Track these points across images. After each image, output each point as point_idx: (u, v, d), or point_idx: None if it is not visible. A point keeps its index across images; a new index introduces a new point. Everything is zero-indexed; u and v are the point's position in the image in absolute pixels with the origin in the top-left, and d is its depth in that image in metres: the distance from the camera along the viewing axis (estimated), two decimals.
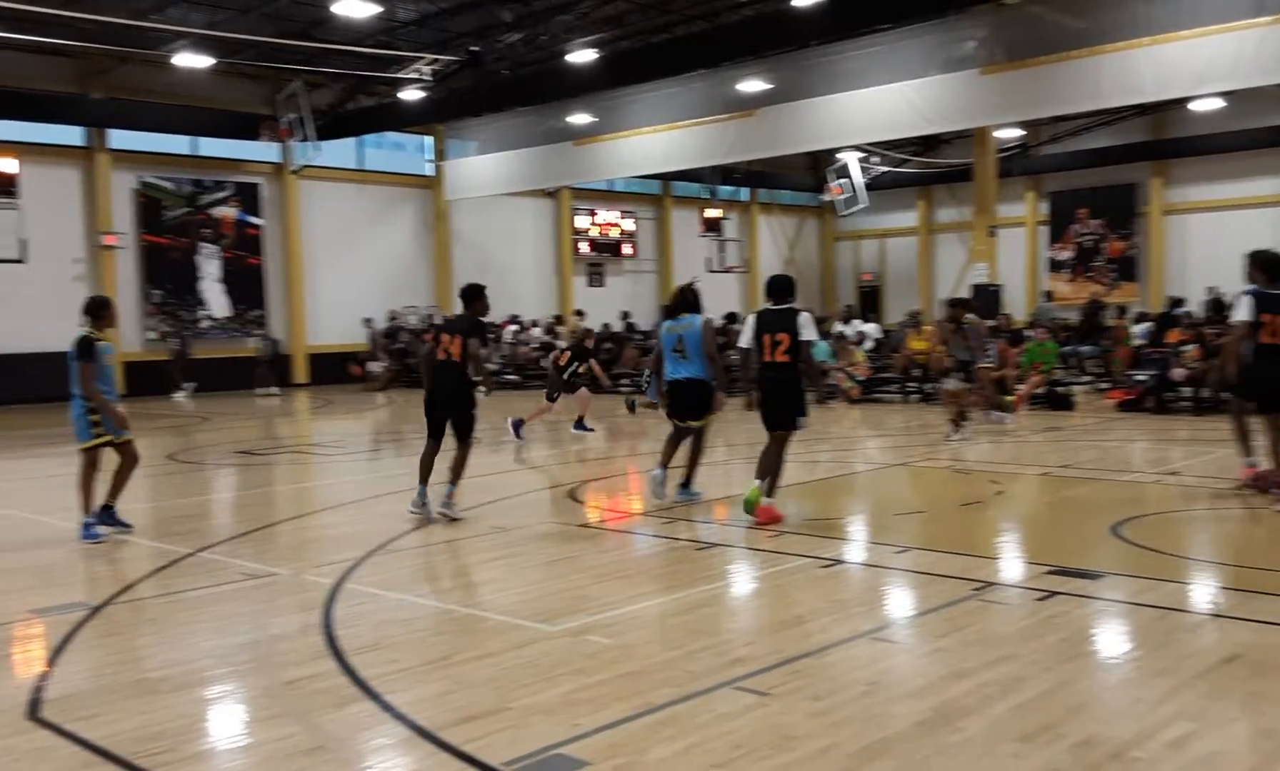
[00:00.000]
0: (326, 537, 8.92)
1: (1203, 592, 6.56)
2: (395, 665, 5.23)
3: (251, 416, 20.71)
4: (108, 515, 8.65)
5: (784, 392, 8.52)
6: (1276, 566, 7.16)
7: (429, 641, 5.66)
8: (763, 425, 8.71)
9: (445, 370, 9.01)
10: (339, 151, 27.87)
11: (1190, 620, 5.79)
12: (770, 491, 8.51)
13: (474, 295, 9.37)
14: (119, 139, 24.85)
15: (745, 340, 8.76)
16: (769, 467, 8.53)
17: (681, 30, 22.76)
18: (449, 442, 9.13)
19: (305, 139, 25.76)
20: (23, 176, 21.74)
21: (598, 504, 10.21)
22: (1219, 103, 26.89)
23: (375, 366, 26.50)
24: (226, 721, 4.81)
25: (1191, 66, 16.83)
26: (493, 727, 4.40)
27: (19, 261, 21.40)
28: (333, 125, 26.35)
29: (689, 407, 9.41)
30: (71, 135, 24.50)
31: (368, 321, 27.24)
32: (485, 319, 9.40)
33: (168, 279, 25.61)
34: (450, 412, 9.07)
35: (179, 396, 24.04)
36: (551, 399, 15.63)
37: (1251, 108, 26.96)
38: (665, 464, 9.53)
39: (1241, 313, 8.72)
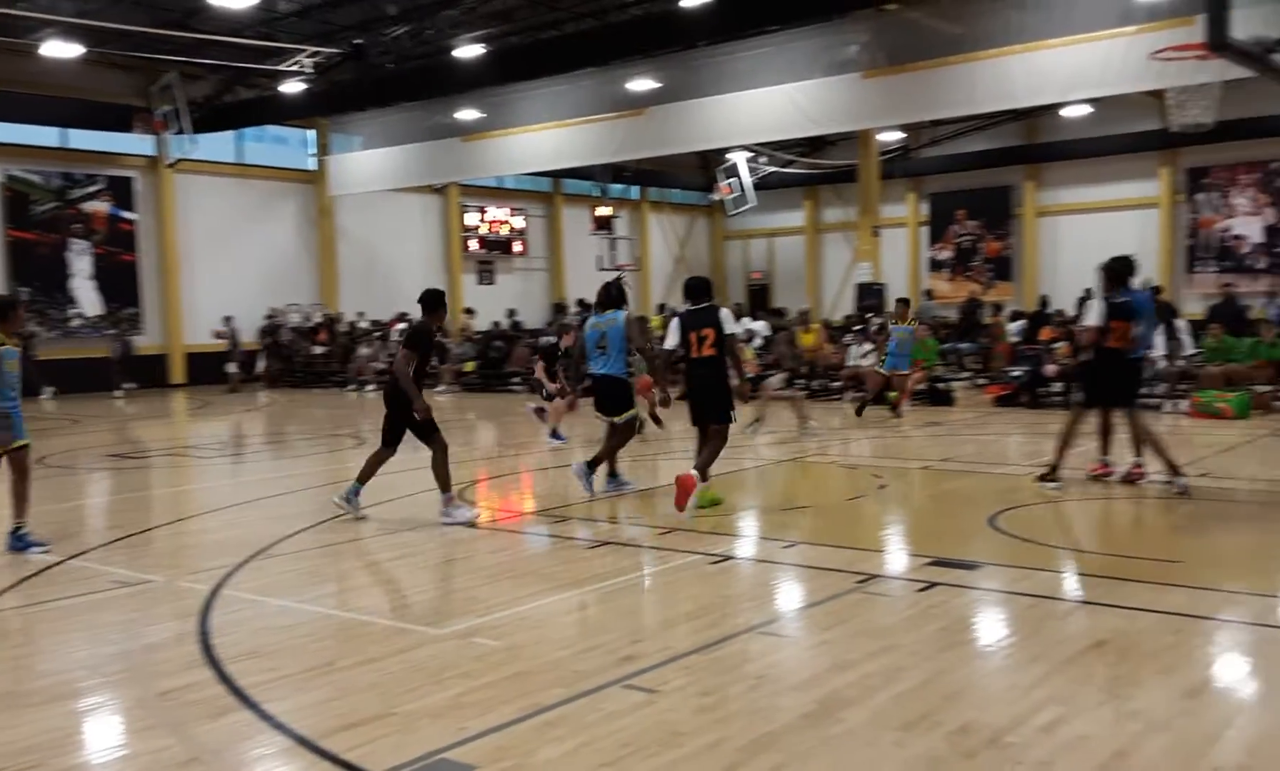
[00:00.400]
0: (203, 543, 8.65)
1: (1073, 581, 6.81)
2: (275, 673, 5.10)
3: (123, 418, 19.97)
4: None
5: (714, 388, 8.86)
6: (1140, 554, 7.48)
7: (310, 647, 5.53)
8: (691, 421, 9.06)
9: (390, 381, 8.83)
10: (217, 145, 27.04)
11: (1061, 607, 6.01)
12: (705, 476, 8.75)
13: (430, 303, 8.90)
14: None
15: (671, 341, 9.09)
16: (708, 461, 8.82)
17: (570, 27, 22.72)
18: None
19: (181, 132, 24.99)
20: None
21: (488, 503, 10.12)
22: (1088, 109, 28.01)
23: (234, 368, 25.49)
24: (99, 734, 4.63)
25: (1062, 74, 17.49)
26: (376, 734, 4.32)
27: None
28: (210, 118, 25.58)
29: (611, 403, 9.60)
30: None
31: (227, 320, 25.87)
32: (430, 323, 8.92)
33: (36, 276, 24.50)
34: (399, 420, 8.81)
35: (42, 397, 23.03)
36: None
37: (1118, 114, 28.11)
38: (599, 462, 9.77)
39: (1092, 318, 9.31)
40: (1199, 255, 29.83)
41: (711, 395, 8.90)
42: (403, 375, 8.63)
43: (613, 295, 9.65)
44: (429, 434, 8.74)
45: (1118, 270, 9.34)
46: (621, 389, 9.60)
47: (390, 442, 8.92)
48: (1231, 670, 5.04)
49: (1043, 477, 9.65)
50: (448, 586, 6.74)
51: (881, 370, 15.88)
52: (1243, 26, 10.85)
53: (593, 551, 7.68)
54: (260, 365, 26.63)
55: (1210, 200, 29.77)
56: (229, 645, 5.55)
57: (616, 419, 9.62)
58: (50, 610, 6.44)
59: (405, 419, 8.77)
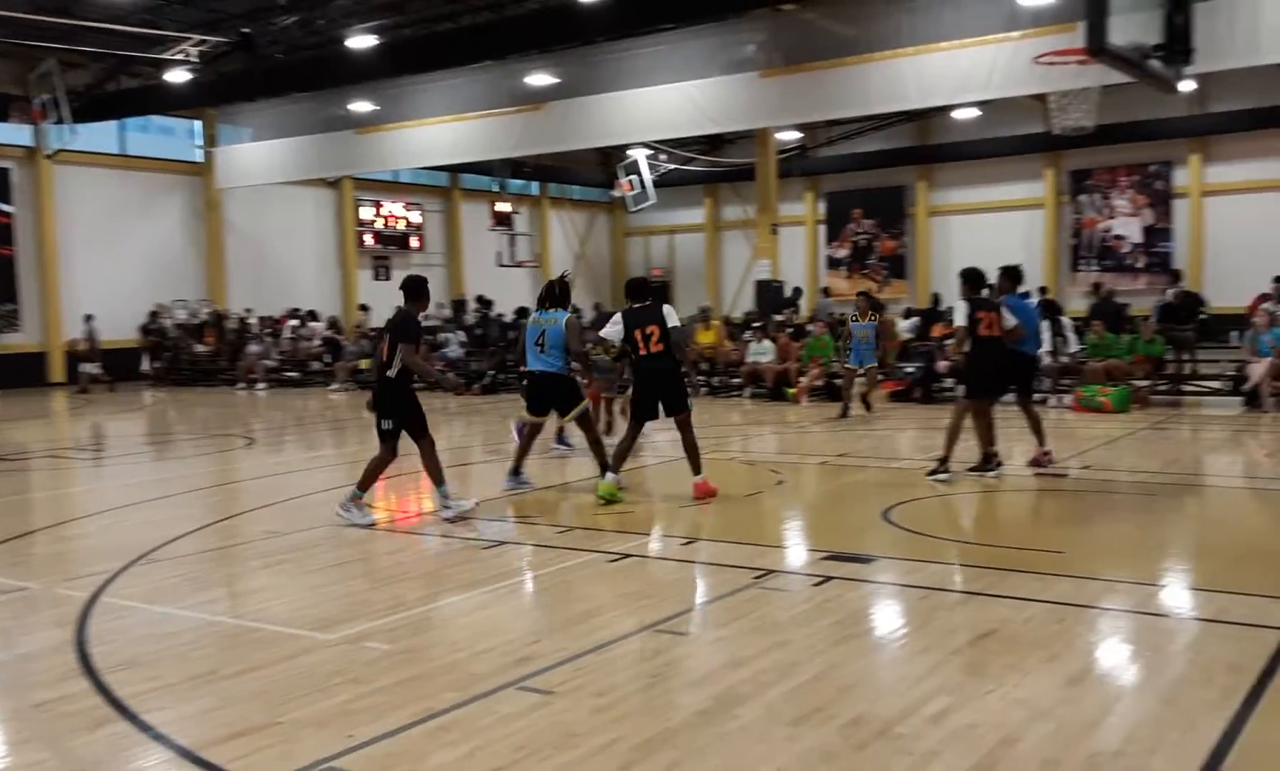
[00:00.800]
0: (83, 548, 8.32)
1: (962, 572, 6.97)
2: (155, 682, 4.92)
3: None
4: None
5: (668, 380, 9.19)
6: (1027, 545, 7.69)
7: (193, 655, 5.34)
8: (641, 417, 9.30)
9: (378, 372, 8.53)
10: (98, 135, 26.09)
11: (951, 599, 6.14)
12: (698, 470, 9.17)
13: (413, 290, 8.57)
14: None
15: (613, 336, 9.41)
16: (691, 449, 9.21)
17: (467, 20, 22.47)
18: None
19: (60, 121, 24.04)
20: None
21: (380, 505, 9.93)
22: (976, 112, 28.78)
23: (91, 368, 24.24)
24: None
25: (951, 77, 17.91)
26: (261, 744, 4.19)
27: None
28: (91, 107, 24.67)
29: (547, 401, 9.70)
30: None
31: (87, 318, 24.74)
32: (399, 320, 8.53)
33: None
34: (389, 416, 8.49)
35: None
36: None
37: (1006, 117, 28.94)
38: (518, 466, 9.85)
39: (958, 318, 9.98)
40: (1082, 254, 30.89)
41: (669, 388, 9.20)
42: (420, 367, 8.39)
43: (556, 294, 9.66)
44: (418, 431, 8.46)
45: (972, 274, 10.02)
46: (564, 385, 9.64)
47: (383, 440, 8.59)
48: (1112, 657, 5.20)
49: (933, 472, 9.88)
50: (338, 590, 6.58)
51: (850, 366, 15.76)
52: (1121, 32, 11.23)
53: (490, 551, 7.60)
54: (145, 364, 25.78)
55: (1092, 201, 30.84)
56: (108, 654, 5.34)
57: (565, 418, 9.91)
58: None
59: (396, 416, 8.44)
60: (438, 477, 8.50)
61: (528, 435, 9.94)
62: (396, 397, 8.42)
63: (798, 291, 25.95)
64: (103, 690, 4.84)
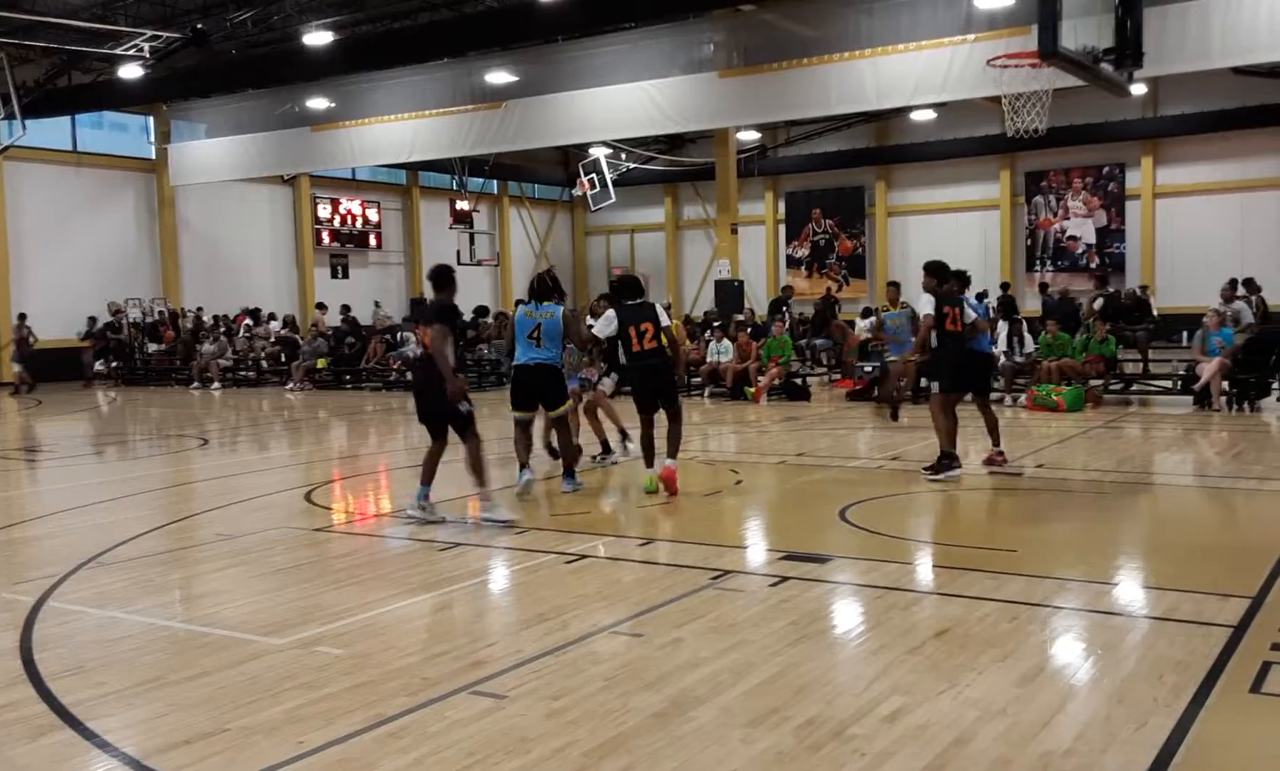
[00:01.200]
0: (30, 551, 8.15)
1: (917, 572, 7.00)
2: (101, 689, 4.83)
3: None
4: None
5: (663, 375, 9.46)
6: (982, 544, 7.75)
7: (140, 661, 5.25)
8: (640, 410, 9.54)
9: (421, 365, 8.36)
10: (50, 131, 25.64)
11: (906, 598, 6.16)
12: (674, 455, 9.43)
13: (442, 279, 8.40)
14: None
15: (604, 332, 9.73)
16: (674, 439, 9.47)
17: (425, 17, 22.32)
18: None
19: (10, 117, 23.57)
20: None
21: (336, 506, 9.84)
22: (933, 113, 29.02)
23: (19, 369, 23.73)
24: None
25: (909, 78, 18.05)
26: (208, 751, 4.12)
27: None
28: (42, 103, 24.22)
29: (535, 394, 9.62)
30: None
31: (21, 317, 24.28)
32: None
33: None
34: (433, 410, 8.31)
35: None
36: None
37: (962, 118, 29.22)
38: (524, 463, 9.69)
39: (925, 307, 10.19)
40: (1037, 254, 31.24)
41: (664, 383, 9.48)
42: (440, 354, 8.09)
43: (549, 285, 9.70)
44: (464, 427, 8.25)
45: (937, 267, 10.18)
46: (556, 378, 9.60)
47: (438, 435, 8.40)
48: (1064, 656, 5.24)
49: (934, 469, 9.88)
50: (290, 594, 6.50)
51: (893, 359, 15.15)
52: (1074, 36, 11.35)
53: (444, 553, 7.53)
54: (98, 364, 25.39)
55: (1047, 202, 31.21)
56: (52, 660, 5.24)
57: (552, 413, 9.81)
58: None
59: (439, 410, 8.24)
60: (428, 477, 8.39)
61: (519, 435, 9.78)
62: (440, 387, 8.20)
63: (788, 290, 25.98)
64: (47, 697, 4.74)
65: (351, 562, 7.43)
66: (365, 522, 9.12)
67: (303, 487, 10.54)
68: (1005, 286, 24.40)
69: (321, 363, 23.31)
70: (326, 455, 13.68)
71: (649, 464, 9.53)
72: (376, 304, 28.06)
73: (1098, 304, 20.49)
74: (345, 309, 26.14)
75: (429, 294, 8.73)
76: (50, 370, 24.79)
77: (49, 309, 25.07)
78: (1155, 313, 22.79)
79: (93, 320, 26.05)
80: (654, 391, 9.50)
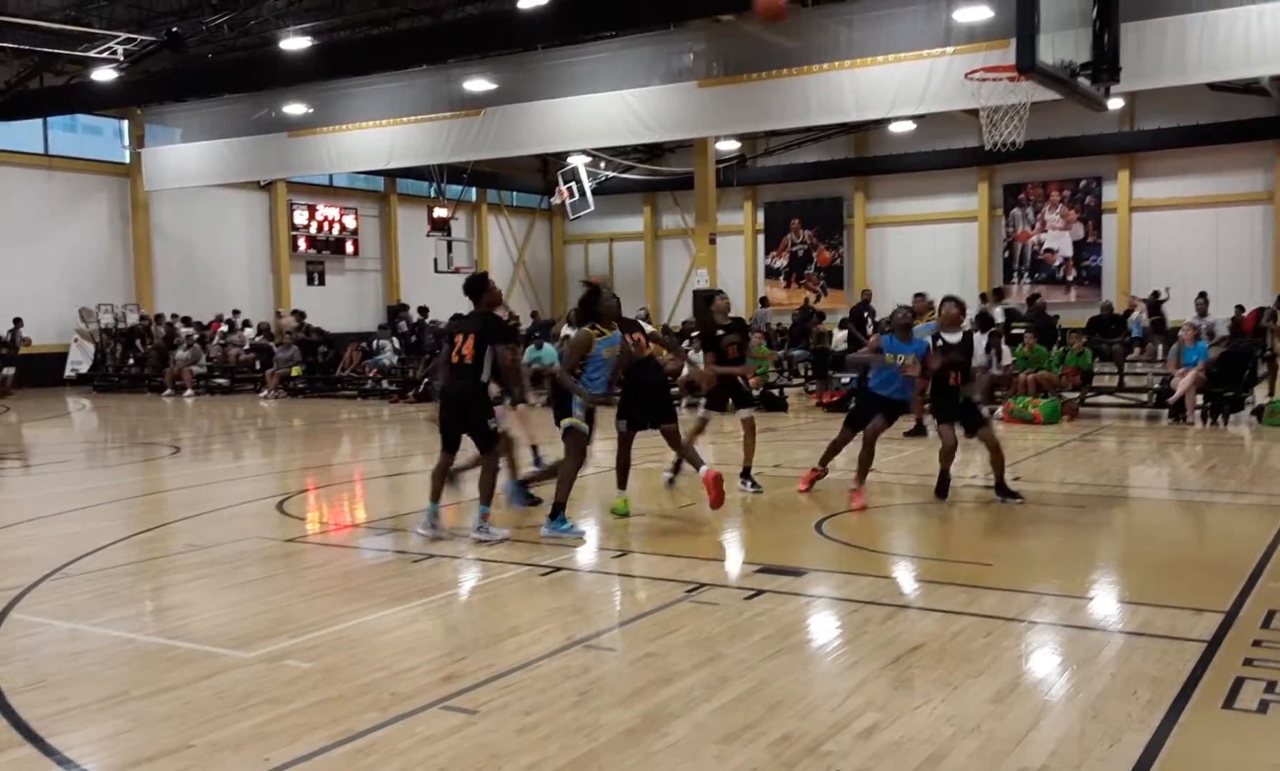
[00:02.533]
0: None
1: (893, 586, 7.00)
2: (63, 704, 4.75)
3: None
4: None
5: (659, 389, 9.17)
6: (958, 557, 7.75)
7: (105, 675, 5.17)
8: (636, 427, 9.02)
9: (458, 374, 8.02)
10: (20, 133, 25.39)
11: (881, 612, 6.15)
12: (700, 464, 8.82)
13: (478, 286, 8.21)
14: None
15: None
16: (688, 451, 9.10)
17: (405, 24, 22.26)
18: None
19: None
20: None
21: (309, 516, 9.75)
22: (912, 125, 29.17)
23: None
24: None
25: (888, 90, 18.12)
26: (172, 768, 4.05)
27: None
28: (12, 105, 23.99)
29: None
30: None
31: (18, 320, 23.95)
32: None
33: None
34: (463, 423, 8.09)
35: None
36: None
37: (941, 130, 29.36)
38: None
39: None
40: (1014, 267, 31.43)
41: (661, 396, 9.18)
42: (512, 372, 8.13)
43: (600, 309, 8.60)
44: (489, 444, 8.12)
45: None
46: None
47: (451, 447, 8.24)
48: (1038, 671, 5.24)
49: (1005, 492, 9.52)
50: (260, 606, 6.42)
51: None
52: (1051, 50, 11.41)
53: (421, 565, 7.47)
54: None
55: (1025, 215, 31.41)
56: (13, 674, 5.15)
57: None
58: None
59: (468, 424, 8.08)
60: (486, 495, 8.09)
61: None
62: (485, 402, 8.09)
63: (764, 300, 25.98)
64: (7, 712, 4.66)
65: (323, 574, 7.36)
66: (338, 533, 9.04)
67: (275, 497, 10.44)
68: (984, 298, 24.49)
69: (296, 370, 23.16)
70: (300, 464, 13.57)
71: (622, 485, 9.17)
72: (278, 312, 27.79)
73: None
74: (299, 314, 25.85)
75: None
76: (19, 377, 24.46)
77: (18, 313, 24.75)
78: (1144, 324, 22.96)
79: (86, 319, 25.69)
80: (648, 404, 9.01)
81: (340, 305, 31.57)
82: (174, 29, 20.58)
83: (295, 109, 24.09)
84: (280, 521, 9.21)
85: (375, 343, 23.58)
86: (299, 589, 6.86)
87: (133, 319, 27.06)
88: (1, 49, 22.65)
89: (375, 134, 23.57)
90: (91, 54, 21.90)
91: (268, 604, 6.46)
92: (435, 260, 31.89)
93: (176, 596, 6.91)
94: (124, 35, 21.40)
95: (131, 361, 25.94)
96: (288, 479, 12.23)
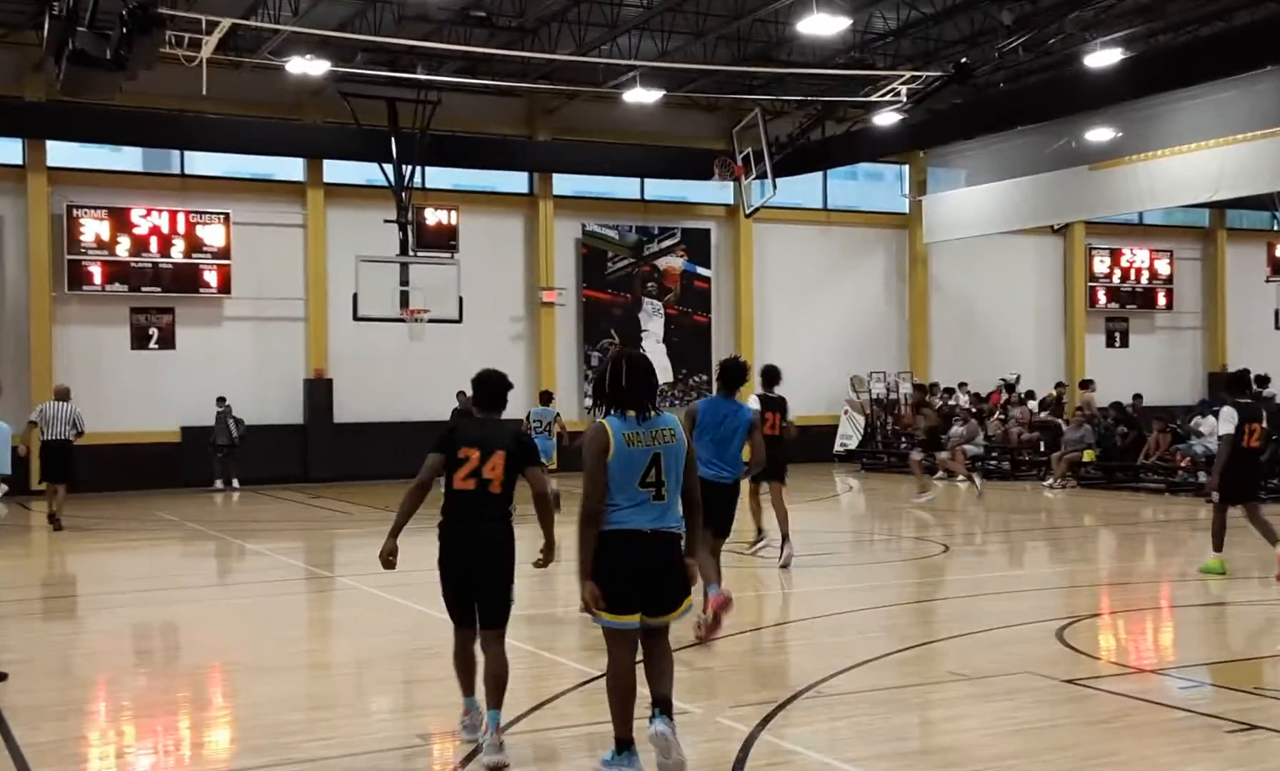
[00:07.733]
0: (764, 663, 8.96)
1: None
2: None
3: None
4: None
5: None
6: None
7: None
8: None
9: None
10: (798, 188, 28.51)
11: None
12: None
13: (737, 376, 10.04)
14: (561, 184, 27.19)
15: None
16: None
17: (1243, 17, 21.10)
18: None
19: (763, 176, 26.62)
20: (461, 228, 24.51)
21: (1099, 651, 9.47)
22: None
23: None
24: None
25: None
26: None
27: (457, 321, 23.82)
28: (792, 159, 27.02)
29: None
30: (514, 182, 27.25)
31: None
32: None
33: (607, 337, 27.31)
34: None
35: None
36: None
37: None
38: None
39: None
40: None
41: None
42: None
43: None
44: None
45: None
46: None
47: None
48: None
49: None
50: (1042, 761, 6.34)
51: None
52: None
53: (1234, 737, 6.84)
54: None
55: None
56: None
57: None
58: None
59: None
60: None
61: None
62: None
63: None
64: None
65: (1113, 731, 7.05)
66: (1131, 679, 8.64)
67: (1057, 620, 10.32)
68: None
69: (1089, 455, 22.85)
70: (1089, 577, 13.32)
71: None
72: (461, 393, 21.40)
73: None
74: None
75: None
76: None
77: (791, 378, 27.65)
78: None
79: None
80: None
81: (1147, 372, 30.58)
82: (963, 60, 21.79)
83: (1099, 135, 24.14)
84: (1059, 654, 9.06)
85: (1192, 421, 22.38)
86: (1081, 748, 6.66)
87: (905, 389, 28.85)
88: (784, 102, 25.78)
89: (1198, 158, 22.75)
90: (873, 99, 24.02)
91: (1046, 761, 6.37)
92: (1277, 312, 29.63)
93: (938, 738, 7.10)
94: (908, 73, 23.17)
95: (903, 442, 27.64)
96: (1074, 597, 12.05)
